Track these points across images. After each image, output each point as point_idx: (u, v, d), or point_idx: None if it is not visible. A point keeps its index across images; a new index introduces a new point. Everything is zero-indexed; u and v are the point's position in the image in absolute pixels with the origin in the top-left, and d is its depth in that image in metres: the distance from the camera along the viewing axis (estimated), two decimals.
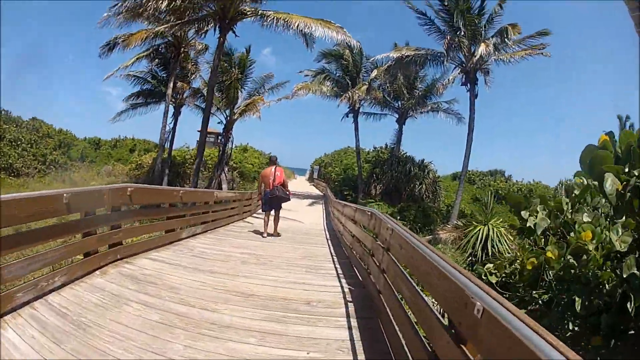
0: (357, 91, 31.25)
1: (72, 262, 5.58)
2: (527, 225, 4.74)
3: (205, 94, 27.89)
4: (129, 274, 6.05)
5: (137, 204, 7.81)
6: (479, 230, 12.70)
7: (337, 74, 34.75)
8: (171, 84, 29.75)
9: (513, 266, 5.69)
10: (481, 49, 23.59)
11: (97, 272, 5.83)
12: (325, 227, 17.54)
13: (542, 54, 25.37)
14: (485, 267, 6.00)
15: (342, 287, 6.51)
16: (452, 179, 46.23)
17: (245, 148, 47.18)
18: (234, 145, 34.91)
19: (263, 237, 11.87)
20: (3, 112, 40.05)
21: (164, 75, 32.72)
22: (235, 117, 28.75)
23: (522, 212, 4.92)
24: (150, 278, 5.95)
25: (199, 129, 26.11)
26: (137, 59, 31.10)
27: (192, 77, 33.48)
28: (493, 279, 5.69)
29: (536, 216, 4.76)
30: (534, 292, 4.56)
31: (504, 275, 5.75)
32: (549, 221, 4.64)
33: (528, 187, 41.30)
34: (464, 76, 26.93)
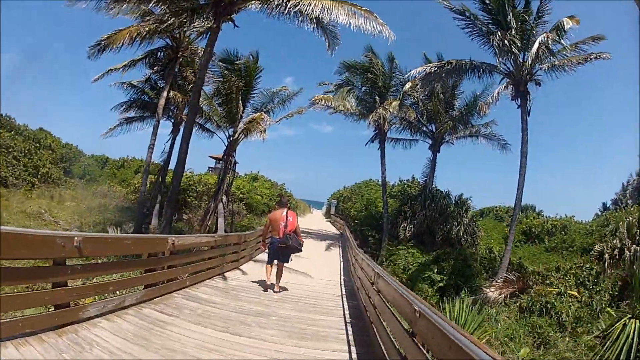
0: (388, 107, 27.11)
1: None
2: None
3: (206, 109, 25.59)
4: None
5: None
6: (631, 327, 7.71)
7: (363, 90, 30.62)
8: (165, 94, 26.14)
9: None
10: (540, 40, 19.86)
11: None
12: (343, 287, 13.49)
13: (601, 57, 21.49)
14: None
15: None
16: (478, 215, 42.53)
17: (255, 176, 44.71)
18: (236, 172, 30.54)
19: (269, 291, 10.62)
20: (5, 117, 37.94)
21: (163, 85, 28.32)
22: (237, 137, 24.19)
23: None
24: None
25: (212, 154, 22.55)
26: (132, 63, 27.66)
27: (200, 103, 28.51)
28: None
29: None
30: None
31: None
32: None
33: (562, 223, 36.78)
34: (513, 89, 22.45)
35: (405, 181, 41.65)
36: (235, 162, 26.58)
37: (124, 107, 30.29)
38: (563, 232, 34.38)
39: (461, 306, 12.57)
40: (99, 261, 7.95)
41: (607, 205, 45.97)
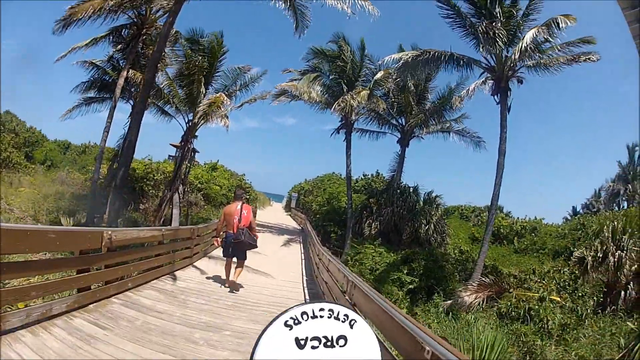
0: (356, 97, 25.56)
1: None
2: None
3: (167, 91, 24.35)
4: None
5: None
6: None
7: (331, 78, 29.24)
8: (124, 73, 24.58)
9: None
10: (532, 34, 19.38)
11: None
12: (306, 290, 12.10)
13: (589, 59, 21.19)
14: None
15: None
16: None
17: (215, 166, 42.93)
18: (196, 161, 28.87)
19: (225, 286, 10.35)
20: None
21: (134, 77, 26.62)
22: (197, 121, 22.73)
23: None
24: None
25: (174, 143, 21.12)
26: (94, 41, 26.08)
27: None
28: None
29: None
30: None
31: None
32: None
33: (531, 225, 37.14)
34: (493, 84, 22.09)
35: (369, 176, 40.69)
36: (195, 151, 25.04)
37: (83, 87, 28.59)
38: (533, 234, 34.38)
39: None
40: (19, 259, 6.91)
41: (577, 210, 46.78)
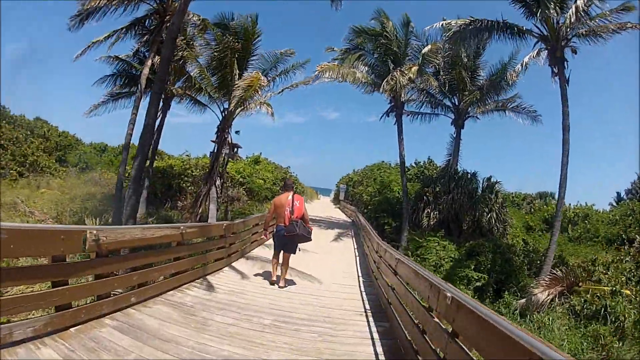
0: (407, 73, 23.26)
1: None
2: None
3: (197, 77, 22.53)
4: None
5: None
6: None
7: (375, 57, 26.83)
8: (149, 62, 22.59)
9: None
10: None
11: None
12: (365, 297, 9.73)
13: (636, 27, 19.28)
14: None
15: None
16: None
17: (257, 159, 41.90)
18: (238, 156, 27.41)
19: (278, 285, 9.46)
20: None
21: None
22: (232, 108, 20.49)
23: None
24: None
25: (213, 139, 19.74)
26: (115, 33, 24.29)
27: (186, 62, 24.45)
28: None
29: None
30: None
31: None
32: None
33: (584, 212, 35.04)
34: (548, 54, 20.30)
35: (421, 163, 38.57)
36: (237, 146, 23.34)
37: (107, 81, 27.07)
38: (586, 222, 32.43)
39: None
40: None
41: (622, 196, 44.09)
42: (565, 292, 15.59)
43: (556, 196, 40.76)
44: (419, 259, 19.89)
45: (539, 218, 32.92)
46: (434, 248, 20.47)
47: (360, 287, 10.71)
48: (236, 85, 19.35)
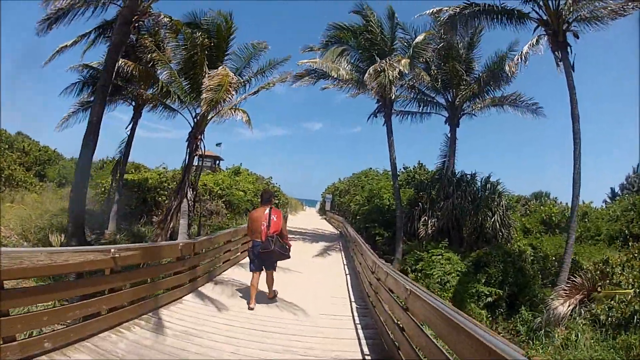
0: (396, 65, 20.97)
1: None
2: None
3: (165, 79, 20.01)
4: None
5: None
6: None
7: (359, 52, 24.59)
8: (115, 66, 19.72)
9: None
10: None
11: None
12: (362, 334, 7.54)
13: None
14: None
15: None
16: None
17: (238, 170, 40.78)
18: (219, 167, 25.75)
19: (250, 308, 8.55)
20: None
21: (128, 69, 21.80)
22: (204, 111, 18.61)
23: None
24: None
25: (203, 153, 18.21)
26: (83, 38, 22.72)
27: (157, 66, 21.33)
28: None
29: None
30: None
31: None
32: None
33: (582, 210, 32.49)
34: (549, 40, 18.92)
35: (411, 168, 36.65)
36: (219, 158, 21.46)
37: (74, 89, 25.07)
38: (585, 220, 31.00)
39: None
40: None
41: (616, 191, 43.87)
42: (585, 299, 13.87)
43: (552, 196, 40.51)
44: (420, 275, 17.69)
45: (536, 220, 31.20)
46: (437, 261, 18.06)
47: (354, 317, 8.58)
48: (205, 85, 17.27)
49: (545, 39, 19.11)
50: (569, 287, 14.47)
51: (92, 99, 24.10)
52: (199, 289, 9.73)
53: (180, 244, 9.12)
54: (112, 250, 6.41)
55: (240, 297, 9.36)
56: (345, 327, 7.86)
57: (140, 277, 7.71)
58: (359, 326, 7.84)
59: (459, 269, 17.51)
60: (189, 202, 19.03)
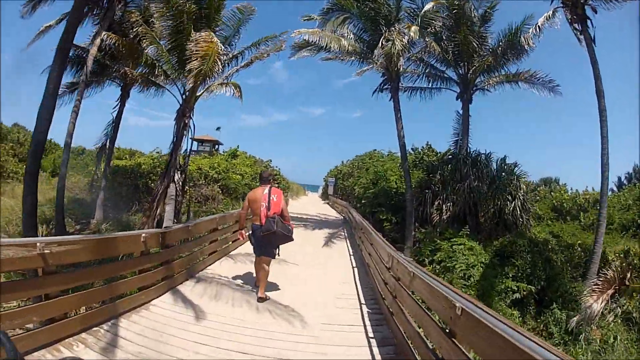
0: (406, 31, 19.23)
1: None
2: None
3: (152, 52, 18.51)
4: None
5: None
6: None
7: (363, 20, 22.17)
8: (97, 40, 19.38)
9: None
10: None
11: None
12: (375, 349, 5.89)
13: None
14: None
15: None
16: None
17: (235, 152, 39.19)
18: (215, 151, 24.41)
19: (257, 296, 7.97)
20: None
21: (110, 42, 20.58)
22: (192, 85, 16.48)
23: None
24: None
25: (196, 136, 16.94)
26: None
27: (143, 42, 18.91)
28: None
29: None
30: None
31: None
32: None
33: (594, 197, 31.03)
34: (568, 12, 18.41)
35: (419, 149, 34.74)
36: (218, 143, 19.83)
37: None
38: (597, 208, 29.29)
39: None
40: None
41: (622, 180, 42.44)
42: (615, 294, 13.04)
43: (560, 182, 39.97)
44: (438, 267, 15.58)
45: (547, 206, 30.38)
46: (460, 251, 15.89)
47: (365, 328, 6.72)
48: (190, 51, 15.52)
49: (562, 12, 18.61)
50: (601, 281, 13.34)
51: (79, 80, 23.01)
52: (177, 288, 8.17)
53: (144, 235, 7.28)
54: (39, 244, 4.80)
55: (225, 298, 7.77)
56: (356, 343, 6.06)
57: (90, 278, 6.21)
58: (373, 341, 6.09)
59: (483, 260, 15.50)
60: (177, 185, 17.27)
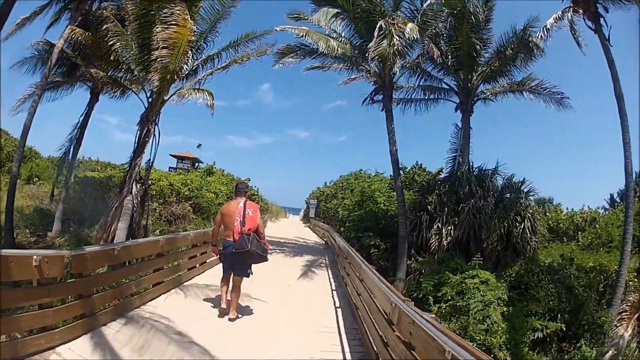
0: (404, 27, 17.19)
1: None
2: None
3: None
4: None
5: None
6: None
7: (355, 20, 20.17)
8: (65, 33, 18.40)
9: None
10: None
11: None
12: None
13: None
14: None
15: None
16: None
17: (210, 169, 37.90)
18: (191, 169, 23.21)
19: (228, 317, 7.58)
20: None
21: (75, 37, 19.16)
22: (158, 84, 14.49)
23: None
24: None
25: (174, 153, 15.67)
26: (45, 9, 21.16)
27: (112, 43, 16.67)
28: None
29: None
30: None
31: None
32: None
33: (591, 216, 31.77)
34: (581, 10, 18.04)
35: (408, 169, 32.62)
36: (197, 161, 18.08)
37: (28, 65, 22.95)
38: (596, 226, 29.64)
39: None
40: None
41: (615, 197, 42.49)
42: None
43: (554, 202, 39.71)
44: (446, 307, 12.69)
45: (542, 227, 28.59)
46: (473, 286, 12.69)
47: None
48: (157, 40, 13.49)
49: (571, 12, 18.29)
50: (629, 306, 12.54)
51: (56, 80, 22.98)
52: (101, 329, 6.06)
53: (37, 258, 5.04)
54: None
55: (153, 353, 5.46)
56: None
57: None
58: None
59: (500, 296, 12.54)
60: (135, 199, 15.05)
